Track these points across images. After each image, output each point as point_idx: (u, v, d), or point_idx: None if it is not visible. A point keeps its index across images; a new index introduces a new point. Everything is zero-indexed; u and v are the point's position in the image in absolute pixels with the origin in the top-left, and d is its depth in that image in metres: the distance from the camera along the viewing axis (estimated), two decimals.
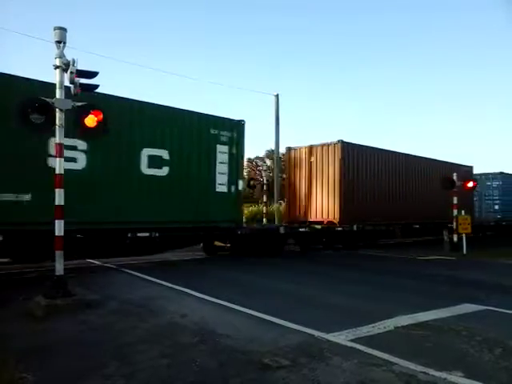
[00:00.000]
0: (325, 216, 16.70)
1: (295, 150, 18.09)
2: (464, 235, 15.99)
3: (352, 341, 5.07)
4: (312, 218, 17.14)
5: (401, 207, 18.85)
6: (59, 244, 6.79)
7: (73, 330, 5.59)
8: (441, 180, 18.10)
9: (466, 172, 22.18)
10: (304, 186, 17.55)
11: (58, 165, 6.87)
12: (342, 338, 5.19)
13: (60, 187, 6.89)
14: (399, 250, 17.23)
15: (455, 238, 16.53)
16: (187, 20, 66.02)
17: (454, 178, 17.06)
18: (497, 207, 25.80)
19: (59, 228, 6.79)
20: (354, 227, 16.64)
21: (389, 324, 5.84)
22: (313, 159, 17.22)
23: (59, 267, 6.70)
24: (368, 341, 5.07)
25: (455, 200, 16.95)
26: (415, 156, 20.63)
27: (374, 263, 13.70)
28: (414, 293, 8.48)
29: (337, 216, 16.34)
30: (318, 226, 16.29)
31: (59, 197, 6.88)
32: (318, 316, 6.41)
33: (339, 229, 16.31)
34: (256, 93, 25.27)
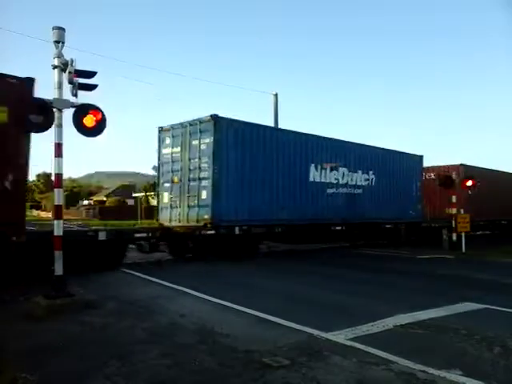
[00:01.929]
0: None
1: None
2: (463, 234, 16.02)
3: (351, 340, 5.09)
4: None
5: None
6: (58, 244, 6.78)
7: (73, 330, 5.59)
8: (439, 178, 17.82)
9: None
10: None
11: (57, 165, 6.85)
12: (341, 336, 5.20)
13: (59, 187, 6.88)
14: (397, 248, 17.26)
15: (454, 237, 16.55)
16: (186, 22, 65.94)
17: (454, 176, 16.97)
18: (205, 199, 12.06)
19: (58, 228, 6.79)
20: None
21: (388, 323, 5.86)
22: None
23: (59, 267, 6.69)
24: (367, 339, 5.08)
25: (454, 199, 16.94)
26: None
27: (373, 262, 13.71)
28: (412, 291, 8.50)
29: None
30: None
31: (59, 197, 6.86)
32: (317, 315, 6.43)
33: None
34: (255, 92, 25.12)
